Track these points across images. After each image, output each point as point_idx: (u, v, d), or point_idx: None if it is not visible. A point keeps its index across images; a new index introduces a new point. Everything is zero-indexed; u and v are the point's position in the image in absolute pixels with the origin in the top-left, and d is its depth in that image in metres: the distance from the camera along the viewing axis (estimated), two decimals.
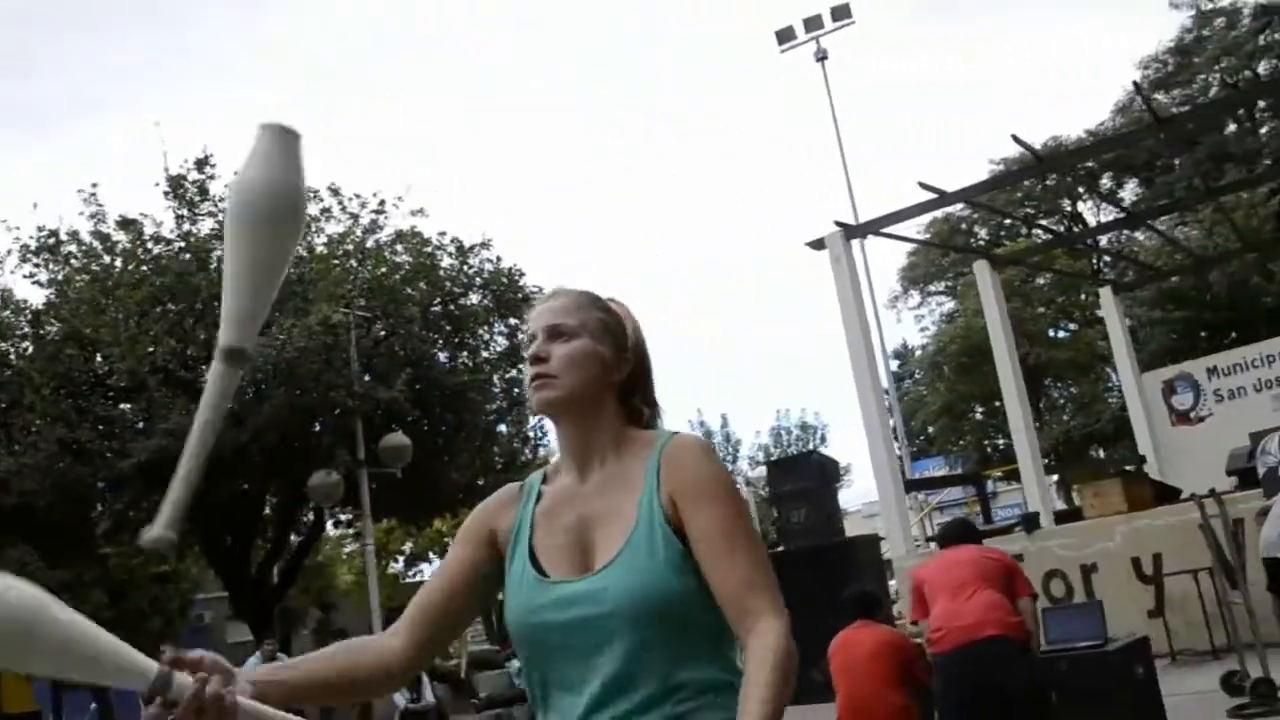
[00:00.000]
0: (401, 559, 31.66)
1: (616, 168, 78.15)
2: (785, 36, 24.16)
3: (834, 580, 10.35)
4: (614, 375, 1.64)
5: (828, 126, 24.94)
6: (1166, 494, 11.13)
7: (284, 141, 1.43)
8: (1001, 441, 29.42)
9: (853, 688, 5.27)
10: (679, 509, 1.52)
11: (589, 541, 1.56)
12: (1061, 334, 27.65)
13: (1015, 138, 13.83)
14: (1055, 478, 19.96)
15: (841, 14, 23.98)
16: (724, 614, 1.47)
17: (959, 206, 23.45)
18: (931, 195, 14.49)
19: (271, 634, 14.27)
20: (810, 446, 28.83)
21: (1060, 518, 12.35)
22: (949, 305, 35.17)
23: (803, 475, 11.41)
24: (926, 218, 24.69)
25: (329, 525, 19.77)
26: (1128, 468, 14.61)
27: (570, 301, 1.67)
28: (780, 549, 11.03)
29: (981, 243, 29.26)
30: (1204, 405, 17.76)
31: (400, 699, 12.37)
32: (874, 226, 15.38)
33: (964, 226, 29.75)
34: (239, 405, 13.30)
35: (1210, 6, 29.25)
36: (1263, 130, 30.82)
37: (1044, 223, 27.83)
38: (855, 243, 15.56)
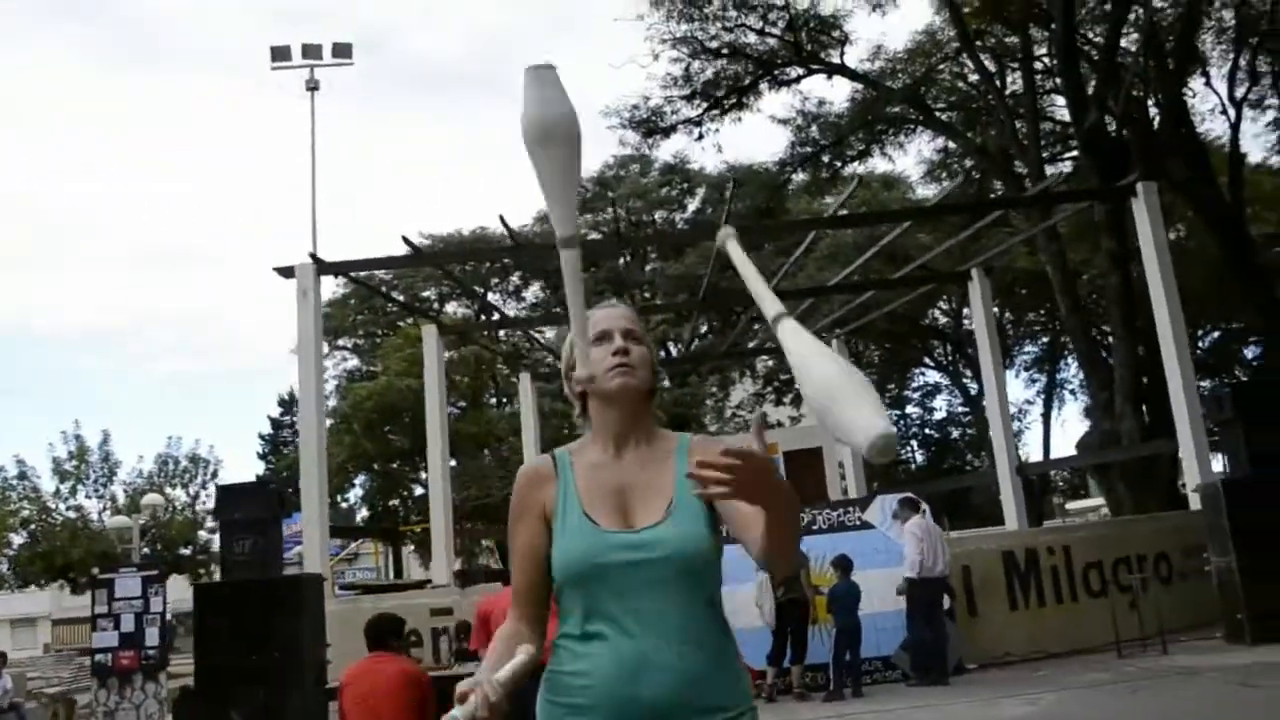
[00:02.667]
0: None
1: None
2: (280, 54, 23.42)
3: (275, 617, 10.05)
4: (655, 380, 2.03)
5: (313, 154, 24.51)
6: None
7: (546, 76, 1.78)
8: (394, 501, 30.19)
9: None
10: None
11: (629, 503, 1.92)
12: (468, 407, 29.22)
13: (502, 218, 14.82)
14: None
15: (342, 52, 23.85)
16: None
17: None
18: (408, 251, 14.94)
19: None
20: (201, 480, 27.23)
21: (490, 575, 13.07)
22: (352, 362, 35.72)
23: (253, 504, 10.90)
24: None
25: None
26: None
27: (633, 314, 2.07)
28: (221, 580, 10.45)
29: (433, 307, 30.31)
30: None
31: None
32: (352, 267, 15.40)
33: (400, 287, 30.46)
34: None
35: (633, 153, 33.44)
36: (649, 267, 35.63)
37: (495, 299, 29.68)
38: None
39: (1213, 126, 26.99)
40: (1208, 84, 25.61)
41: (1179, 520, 12.37)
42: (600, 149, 46.17)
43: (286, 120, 71.53)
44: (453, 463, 22.09)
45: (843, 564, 9.73)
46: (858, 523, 10.61)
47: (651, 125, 27.09)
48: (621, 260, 35.00)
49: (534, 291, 36.71)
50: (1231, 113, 24.67)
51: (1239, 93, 24.95)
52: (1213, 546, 10.36)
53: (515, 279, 36.34)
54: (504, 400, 31.99)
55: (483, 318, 33.73)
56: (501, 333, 26.92)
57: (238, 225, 73.89)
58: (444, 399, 17.41)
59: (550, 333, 30.48)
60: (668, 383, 31.39)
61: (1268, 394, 11.39)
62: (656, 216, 37.18)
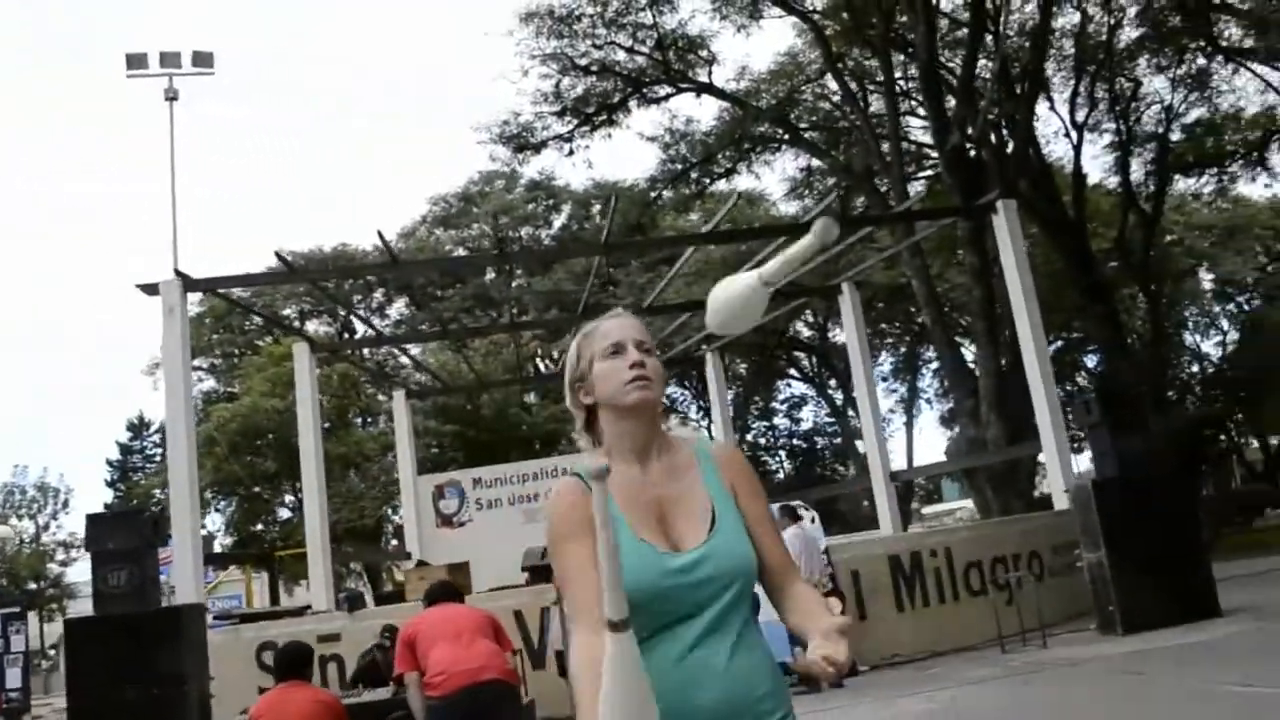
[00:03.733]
0: None
1: None
2: (136, 62, 22.45)
3: (155, 650, 9.60)
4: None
5: (172, 167, 23.58)
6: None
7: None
8: (259, 526, 29.14)
9: None
10: (737, 496, 1.98)
11: (669, 519, 1.92)
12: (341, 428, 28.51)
13: (380, 234, 14.51)
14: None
15: (203, 61, 23.01)
16: (770, 572, 1.98)
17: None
18: (279, 266, 14.52)
19: None
20: (51, 510, 25.76)
21: (381, 599, 12.79)
22: (209, 383, 34.42)
23: (126, 533, 10.38)
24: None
25: None
26: (422, 560, 15.58)
27: (642, 324, 2.05)
28: (94, 615, 9.92)
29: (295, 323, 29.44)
30: (466, 511, 19.62)
31: None
32: (221, 283, 14.87)
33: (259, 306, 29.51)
34: None
35: (499, 168, 33.31)
36: (515, 283, 35.48)
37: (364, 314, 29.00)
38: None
39: (1056, 148, 28.56)
40: (1051, 108, 27.08)
41: (1049, 520, 12.98)
42: (468, 164, 46.06)
43: (134, 130, 67.97)
44: None
45: None
46: None
47: (522, 141, 27.05)
48: (489, 277, 34.79)
49: (398, 308, 36.19)
50: (1073, 135, 26.15)
51: (1080, 117, 26.48)
52: (1084, 543, 10.90)
53: (379, 295, 35.73)
54: (370, 420, 31.33)
55: (346, 335, 33.09)
56: (367, 351, 26.42)
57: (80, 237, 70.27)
58: (318, 418, 16.97)
59: (416, 350, 30.04)
60: (538, 398, 31.29)
61: (1126, 399, 12.13)
62: (523, 232, 37.09)
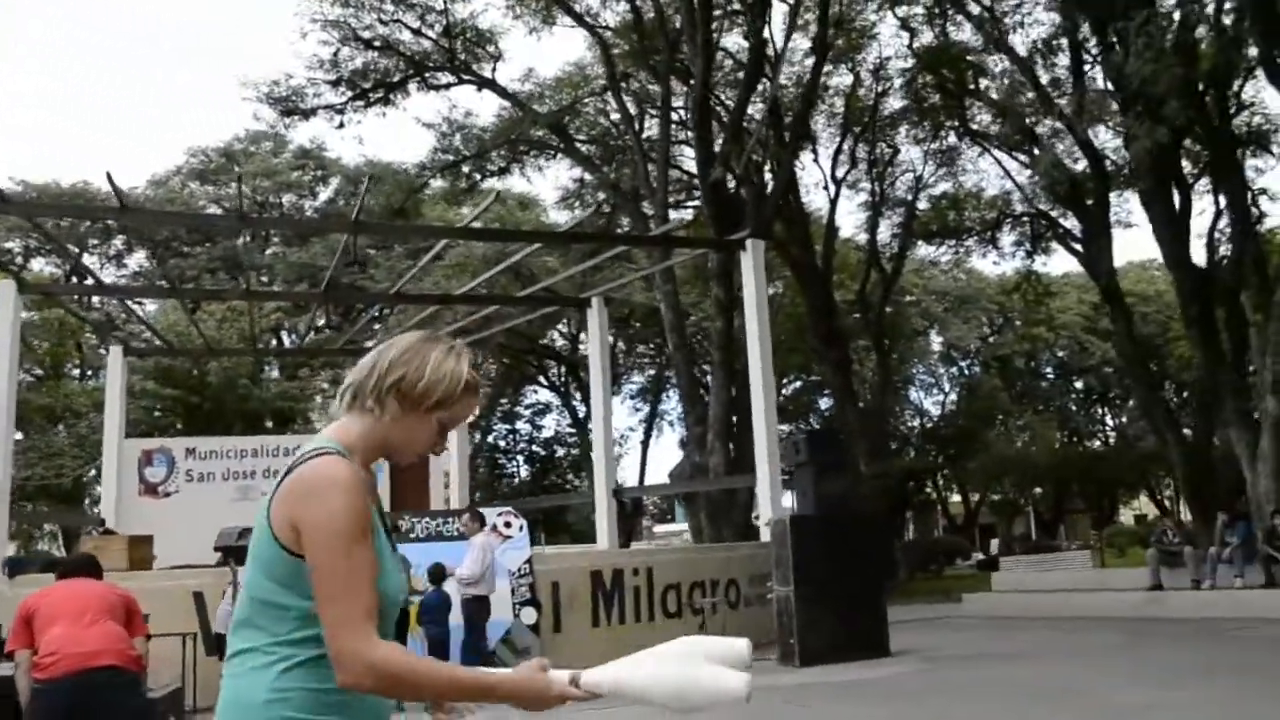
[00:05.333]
0: None
1: None
2: None
3: None
4: None
5: None
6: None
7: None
8: None
9: None
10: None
11: None
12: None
13: (109, 175, 13.42)
14: None
15: None
16: None
17: None
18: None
19: None
20: None
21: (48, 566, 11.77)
22: None
23: None
24: None
25: None
26: (109, 528, 14.49)
27: None
28: None
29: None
30: (174, 481, 18.51)
31: None
32: None
33: None
34: None
35: (266, 129, 31.79)
36: (270, 251, 33.95)
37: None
38: None
39: (816, 198, 30.00)
40: (816, 161, 28.43)
41: (750, 550, 13.48)
42: (234, 120, 43.72)
43: None
44: (19, 436, 19.73)
45: (437, 573, 9.68)
46: (456, 533, 10.63)
47: (290, 105, 25.91)
48: (241, 240, 33.09)
49: (138, 259, 33.86)
50: (832, 189, 27.54)
51: (840, 173, 27.92)
52: (776, 576, 11.35)
53: (119, 243, 33.29)
54: (89, 372, 29.10)
55: (74, 280, 30.62)
56: (96, 300, 24.53)
57: None
58: (14, 362, 15.50)
59: (151, 305, 28.18)
60: (276, 373, 29.99)
61: (835, 442, 12.77)
62: (285, 200, 35.51)
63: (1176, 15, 17.67)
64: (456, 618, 9.72)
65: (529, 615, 10.67)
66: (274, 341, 30.84)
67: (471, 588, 9.54)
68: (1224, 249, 22.38)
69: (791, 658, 10.94)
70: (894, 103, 27.97)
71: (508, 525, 11.02)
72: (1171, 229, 20.33)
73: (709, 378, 25.53)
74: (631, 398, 37.74)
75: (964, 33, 25.27)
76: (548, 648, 10.89)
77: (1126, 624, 13.52)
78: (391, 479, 18.64)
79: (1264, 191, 24.99)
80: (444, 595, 9.65)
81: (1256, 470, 17.46)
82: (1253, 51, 19.12)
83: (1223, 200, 22.34)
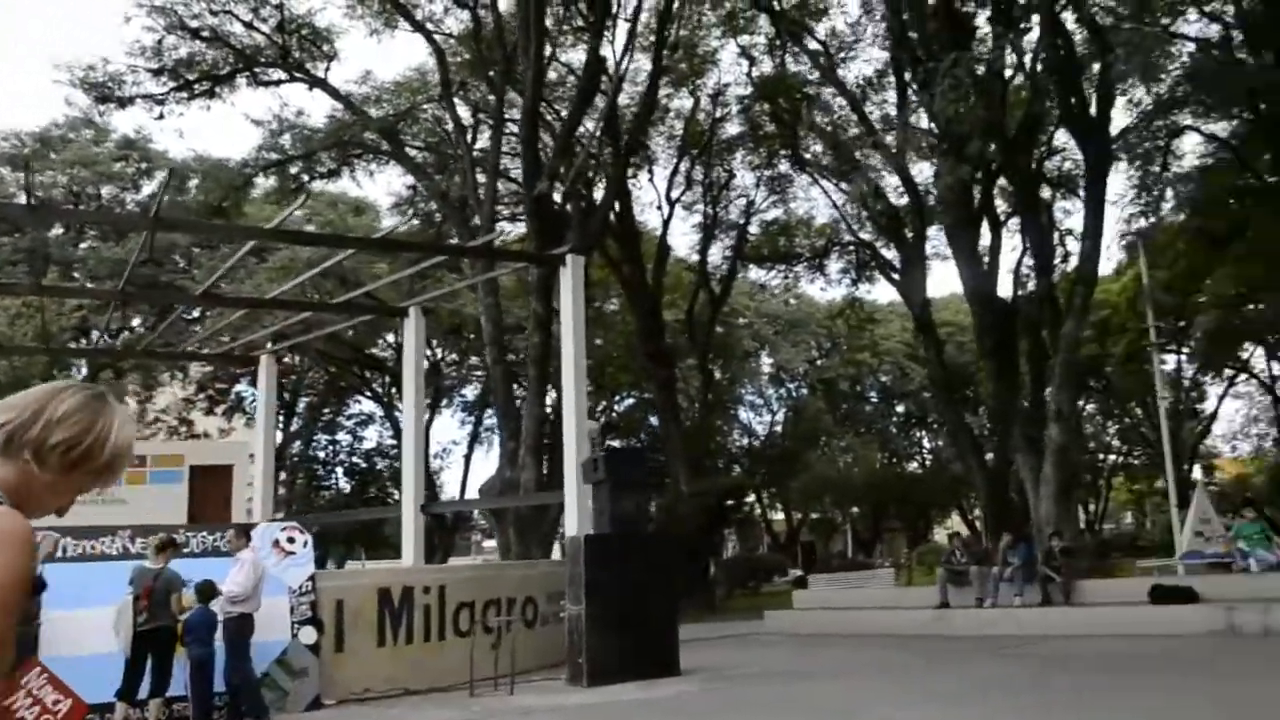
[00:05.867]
0: None
1: None
2: None
3: None
4: None
5: None
6: None
7: None
8: None
9: None
10: None
11: None
12: None
13: None
14: None
15: None
16: None
17: None
18: None
19: None
20: None
21: None
22: None
23: None
24: None
25: None
26: None
27: None
28: None
29: None
30: None
31: None
32: None
33: None
34: None
35: (84, 117, 30.23)
36: (84, 245, 32.20)
37: None
38: None
39: (650, 217, 30.29)
40: (651, 180, 28.76)
41: (549, 568, 13.40)
42: (51, 105, 41.33)
43: None
44: None
45: (206, 591, 9.26)
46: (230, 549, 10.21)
47: (107, 92, 24.69)
48: (54, 234, 31.25)
49: None
50: (666, 209, 27.87)
51: (675, 193, 28.30)
52: (569, 595, 11.31)
53: None
54: None
55: None
56: None
57: None
58: None
59: None
60: (82, 373, 28.45)
61: (638, 459, 12.82)
62: (105, 191, 33.77)
63: (984, 61, 18.53)
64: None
65: (308, 635, 10.32)
66: (82, 341, 29.24)
67: (237, 605, 9.15)
68: (1032, 284, 23.59)
69: (580, 678, 10.90)
70: (731, 128, 28.57)
71: (291, 541, 10.64)
72: (975, 264, 21.29)
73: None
74: (462, 410, 37.30)
75: (802, 65, 26.02)
76: (328, 668, 10.58)
77: (914, 641, 14.01)
78: (191, 489, 17.90)
79: (1070, 232, 26.51)
80: (209, 613, 9.22)
81: (1039, 494, 18.39)
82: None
83: (1028, 239, 23.55)
